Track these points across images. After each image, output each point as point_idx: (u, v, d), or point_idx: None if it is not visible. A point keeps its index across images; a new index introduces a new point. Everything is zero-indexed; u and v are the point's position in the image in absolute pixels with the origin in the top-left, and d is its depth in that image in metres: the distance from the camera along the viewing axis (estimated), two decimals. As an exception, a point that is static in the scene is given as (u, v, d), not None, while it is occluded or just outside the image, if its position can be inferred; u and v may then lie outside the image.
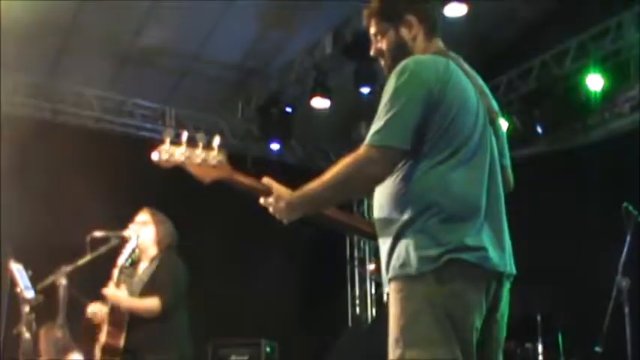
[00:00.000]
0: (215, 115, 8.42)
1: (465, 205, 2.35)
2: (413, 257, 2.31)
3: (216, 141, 2.54)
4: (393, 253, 2.38)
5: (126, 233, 4.67)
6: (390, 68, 2.50)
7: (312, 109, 7.70)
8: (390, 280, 2.39)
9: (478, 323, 2.33)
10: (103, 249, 4.65)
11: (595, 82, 6.87)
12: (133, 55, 7.33)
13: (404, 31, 2.59)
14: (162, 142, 2.51)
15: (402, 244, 2.35)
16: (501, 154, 2.59)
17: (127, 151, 7.70)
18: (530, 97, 7.49)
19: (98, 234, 4.64)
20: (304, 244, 7.88)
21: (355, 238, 9.37)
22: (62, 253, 4.77)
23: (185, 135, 2.51)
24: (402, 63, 2.42)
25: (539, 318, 5.99)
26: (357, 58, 6.96)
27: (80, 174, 6.90)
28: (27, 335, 4.58)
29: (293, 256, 8.28)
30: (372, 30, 2.66)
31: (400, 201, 2.39)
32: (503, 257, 2.40)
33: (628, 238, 4.78)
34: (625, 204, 4.83)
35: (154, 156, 2.50)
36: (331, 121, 8.33)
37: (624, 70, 6.86)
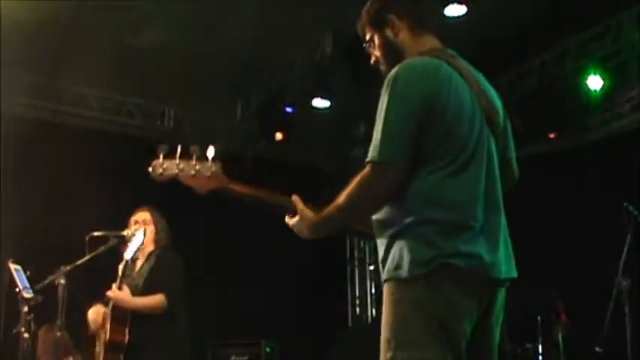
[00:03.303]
0: (215, 115, 8.41)
1: (462, 213, 2.33)
2: (406, 261, 2.31)
3: (211, 152, 2.57)
4: (389, 256, 2.38)
5: (129, 231, 4.68)
6: (387, 73, 2.44)
7: (312, 109, 7.69)
8: (384, 281, 2.40)
9: (468, 329, 2.33)
10: (102, 249, 4.66)
11: (595, 82, 6.87)
12: (133, 55, 7.31)
13: (387, 32, 2.56)
14: (156, 156, 2.55)
15: (397, 248, 2.36)
16: (506, 148, 2.59)
17: (126, 151, 7.71)
18: (530, 97, 7.49)
19: (97, 234, 4.66)
20: (304, 244, 7.86)
21: (355, 238, 9.37)
22: (62, 253, 4.77)
23: (179, 148, 2.56)
24: (392, 73, 2.37)
25: (539, 318, 5.99)
26: (357, 58, 6.95)
27: (80, 174, 6.90)
28: (26, 335, 4.59)
29: (293, 256, 8.25)
30: (365, 39, 2.64)
31: (398, 206, 2.38)
32: (498, 264, 2.37)
33: (628, 238, 4.78)
34: (625, 204, 4.83)
35: (150, 171, 2.56)
36: (331, 121, 8.32)
37: (624, 70, 6.86)
